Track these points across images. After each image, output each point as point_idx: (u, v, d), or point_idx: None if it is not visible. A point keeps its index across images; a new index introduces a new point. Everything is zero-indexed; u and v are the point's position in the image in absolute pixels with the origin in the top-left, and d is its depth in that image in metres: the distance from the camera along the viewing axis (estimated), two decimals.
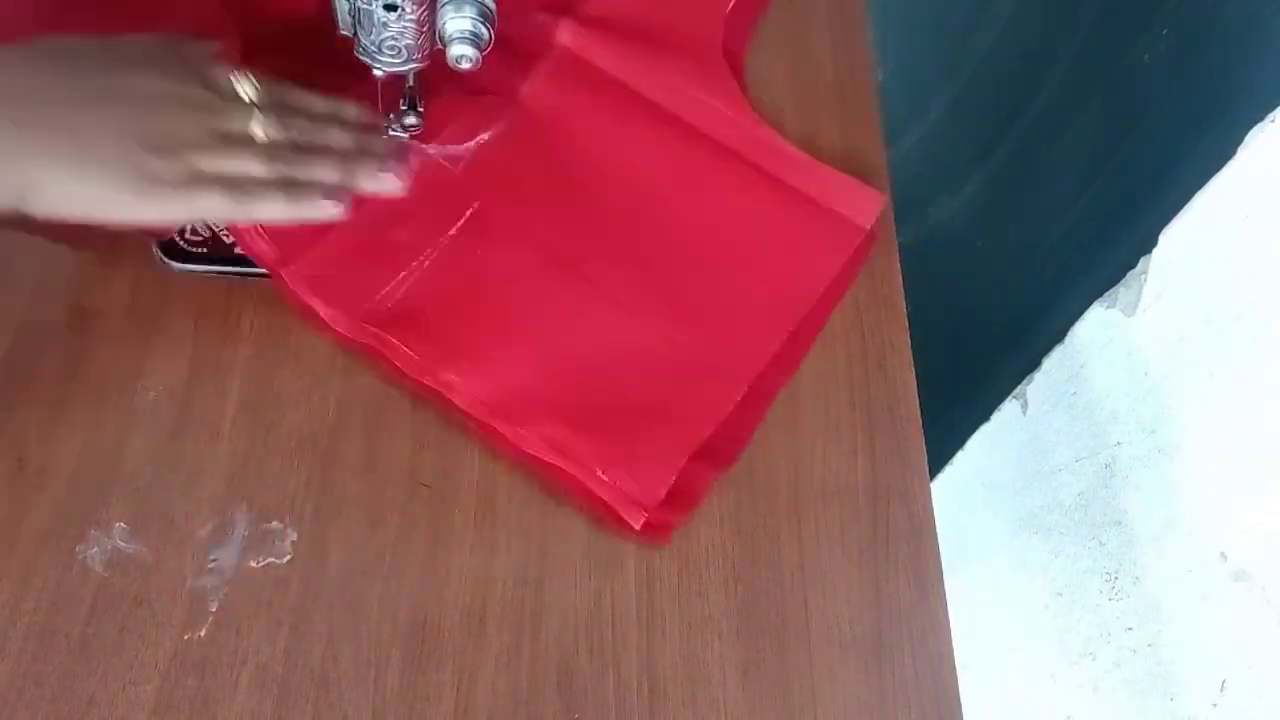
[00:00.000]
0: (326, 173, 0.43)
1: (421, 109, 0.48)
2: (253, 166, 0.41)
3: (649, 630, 0.42)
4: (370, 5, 0.42)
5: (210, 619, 0.40)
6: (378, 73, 0.45)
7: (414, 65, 0.45)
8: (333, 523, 0.42)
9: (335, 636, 0.40)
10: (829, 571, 0.45)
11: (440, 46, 0.44)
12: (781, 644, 0.43)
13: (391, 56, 0.44)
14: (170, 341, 0.45)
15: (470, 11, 0.43)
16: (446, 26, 0.43)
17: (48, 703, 0.37)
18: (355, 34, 0.44)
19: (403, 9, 0.42)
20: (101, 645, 0.39)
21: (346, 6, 0.43)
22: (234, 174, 0.41)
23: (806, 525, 0.45)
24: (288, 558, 0.42)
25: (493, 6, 0.43)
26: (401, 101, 0.48)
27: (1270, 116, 0.44)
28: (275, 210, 0.42)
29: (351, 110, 0.46)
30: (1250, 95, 0.45)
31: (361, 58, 0.45)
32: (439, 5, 0.43)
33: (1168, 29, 0.52)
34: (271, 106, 0.43)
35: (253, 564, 0.41)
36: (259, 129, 0.42)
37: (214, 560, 0.41)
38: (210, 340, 0.45)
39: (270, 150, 0.42)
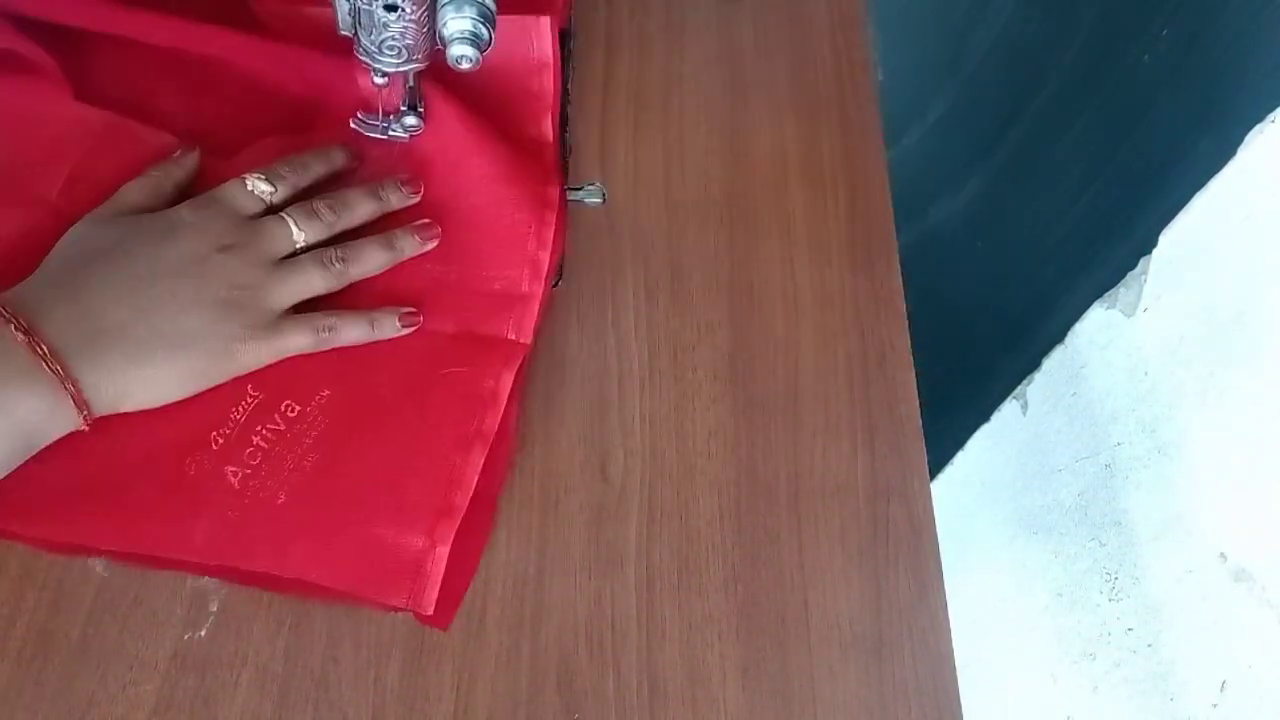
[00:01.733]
0: (378, 256, 0.46)
1: (421, 109, 0.48)
2: (314, 281, 0.44)
3: (649, 630, 0.42)
4: (370, 5, 0.42)
5: (210, 619, 0.40)
6: (378, 79, 0.46)
7: (414, 65, 0.45)
8: None
9: (335, 636, 0.40)
10: (829, 571, 0.45)
11: (440, 47, 0.44)
12: (781, 644, 0.43)
13: (392, 56, 0.44)
14: None
15: (470, 11, 0.43)
16: (446, 27, 0.43)
17: (48, 703, 0.37)
18: (355, 34, 0.44)
19: (403, 9, 0.42)
20: (101, 645, 0.39)
21: (347, 6, 0.43)
22: (299, 296, 0.44)
23: (806, 525, 0.45)
24: None
25: (493, 7, 0.43)
26: (402, 103, 0.48)
27: (1270, 116, 0.44)
28: (357, 334, 0.44)
29: (339, 156, 0.48)
30: (1250, 95, 0.45)
31: (361, 58, 0.45)
32: (439, 5, 0.43)
33: (1168, 29, 0.52)
34: (286, 198, 0.45)
35: None
36: (298, 235, 0.44)
37: None
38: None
39: (320, 256, 0.44)
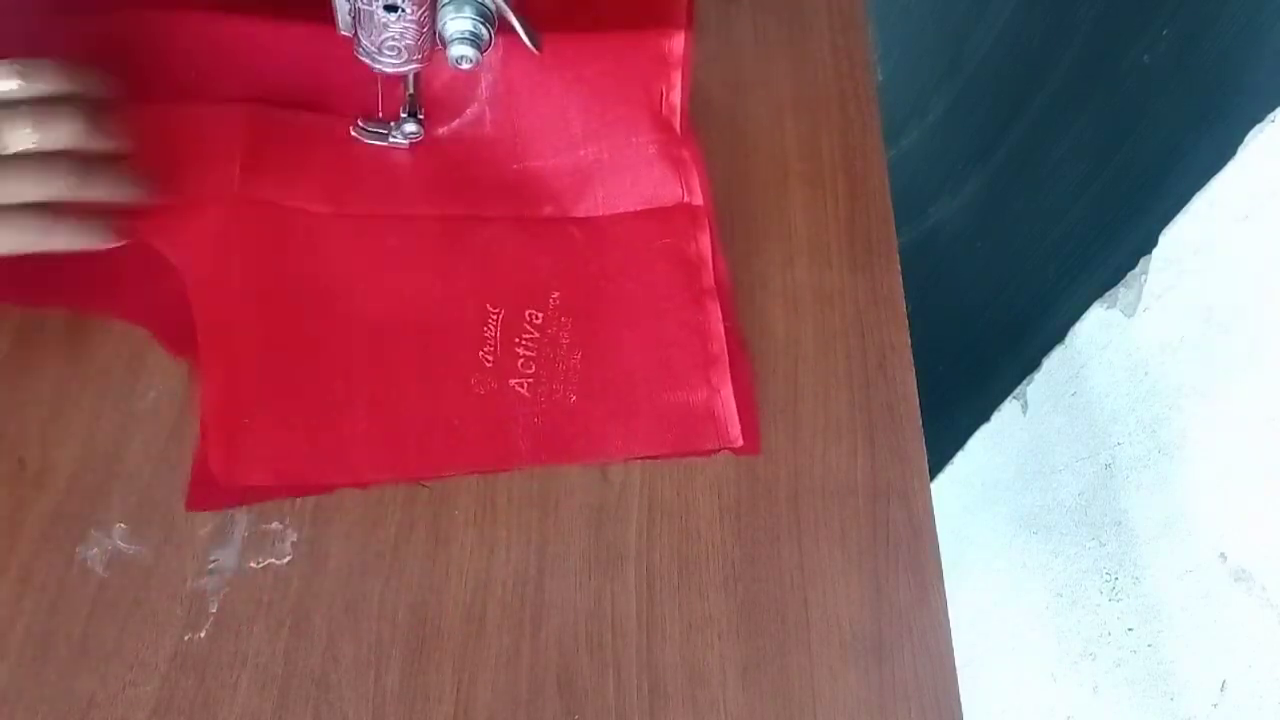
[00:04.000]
0: (108, 186, 0.40)
1: (421, 115, 0.48)
2: (27, 190, 0.38)
3: (649, 630, 0.42)
4: (370, 6, 0.42)
5: (210, 620, 0.40)
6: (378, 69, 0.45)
7: (414, 66, 0.45)
8: (333, 523, 0.42)
9: (335, 636, 0.40)
10: (829, 571, 0.45)
11: (440, 47, 0.44)
12: (781, 644, 0.43)
13: (392, 57, 0.44)
14: None
15: (470, 12, 0.43)
16: (447, 27, 0.43)
17: (47, 703, 0.37)
18: (355, 34, 0.44)
19: (403, 10, 0.42)
20: (101, 645, 0.39)
21: (346, 7, 0.43)
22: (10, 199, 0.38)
23: (806, 525, 0.45)
24: (288, 558, 0.42)
25: (493, 7, 0.43)
26: (402, 109, 0.48)
27: (1270, 116, 0.44)
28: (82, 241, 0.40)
29: (48, 70, 0.39)
30: (1250, 95, 0.45)
31: (362, 58, 0.45)
32: (439, 6, 0.43)
33: (1168, 29, 0.52)
34: (31, 94, 0.38)
35: (253, 564, 0.41)
36: (20, 140, 0.38)
37: (214, 561, 0.41)
38: None
39: (45, 165, 0.38)
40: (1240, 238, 0.46)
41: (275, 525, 0.42)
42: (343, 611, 0.41)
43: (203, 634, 0.39)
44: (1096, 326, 0.58)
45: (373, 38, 0.43)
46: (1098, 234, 0.58)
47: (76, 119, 0.39)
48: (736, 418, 0.46)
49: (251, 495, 0.42)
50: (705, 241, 0.49)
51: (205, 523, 0.41)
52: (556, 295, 0.48)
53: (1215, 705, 0.47)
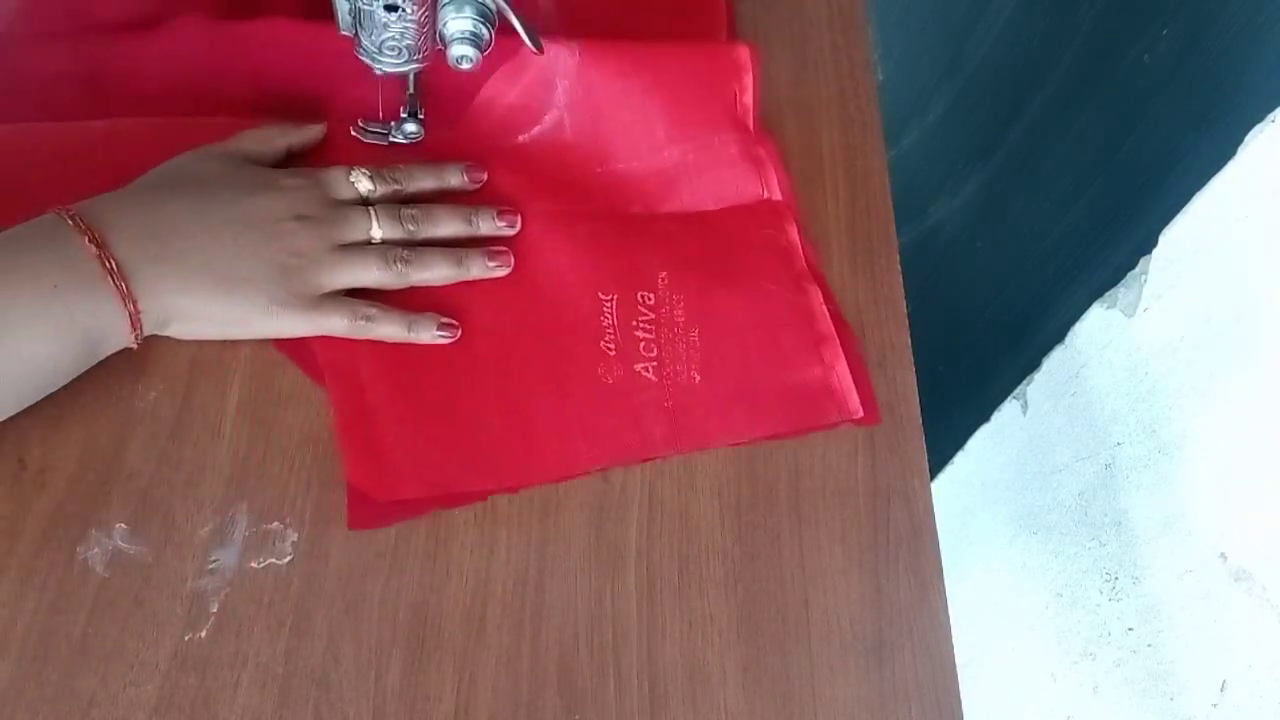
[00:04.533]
0: (441, 269, 0.46)
1: (422, 116, 0.48)
2: (371, 274, 0.45)
3: (649, 630, 0.42)
4: (371, 6, 0.42)
5: (211, 619, 0.40)
6: (377, 74, 0.46)
7: (414, 66, 0.45)
8: (333, 523, 0.42)
9: (335, 636, 0.40)
10: (829, 571, 0.45)
11: (440, 47, 0.44)
12: (781, 644, 0.43)
13: (392, 57, 0.44)
14: (170, 341, 0.44)
15: (470, 11, 0.43)
16: (447, 27, 0.43)
17: (48, 703, 0.37)
18: (355, 35, 0.44)
19: (403, 9, 0.42)
20: (101, 645, 0.39)
21: (347, 7, 0.43)
22: (352, 283, 0.44)
23: (806, 525, 0.45)
24: (288, 558, 0.42)
25: (493, 6, 0.43)
26: (402, 109, 0.48)
27: (1270, 116, 0.44)
28: (392, 331, 0.45)
29: (454, 175, 0.48)
30: (1250, 95, 0.45)
31: (362, 58, 0.45)
32: (439, 5, 0.43)
33: (1168, 29, 0.52)
34: (384, 198, 0.46)
35: (253, 564, 0.41)
36: (375, 230, 0.45)
37: (214, 560, 0.41)
38: (210, 340, 0.45)
39: (385, 253, 0.45)
40: (1240, 238, 0.46)
41: (275, 525, 0.42)
42: (343, 611, 0.41)
43: (203, 634, 0.39)
44: (1096, 326, 0.58)
45: (373, 38, 0.43)
46: (1098, 234, 0.58)
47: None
48: (854, 390, 0.47)
49: (409, 509, 0.43)
50: (793, 231, 0.51)
51: (205, 523, 0.41)
52: (664, 275, 0.49)
53: (1215, 705, 0.47)
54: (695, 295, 0.48)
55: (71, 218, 0.39)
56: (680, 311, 0.48)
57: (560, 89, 0.50)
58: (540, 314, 0.47)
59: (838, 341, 0.48)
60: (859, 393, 0.47)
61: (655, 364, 0.47)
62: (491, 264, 0.47)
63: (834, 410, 0.47)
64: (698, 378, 0.47)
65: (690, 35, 0.55)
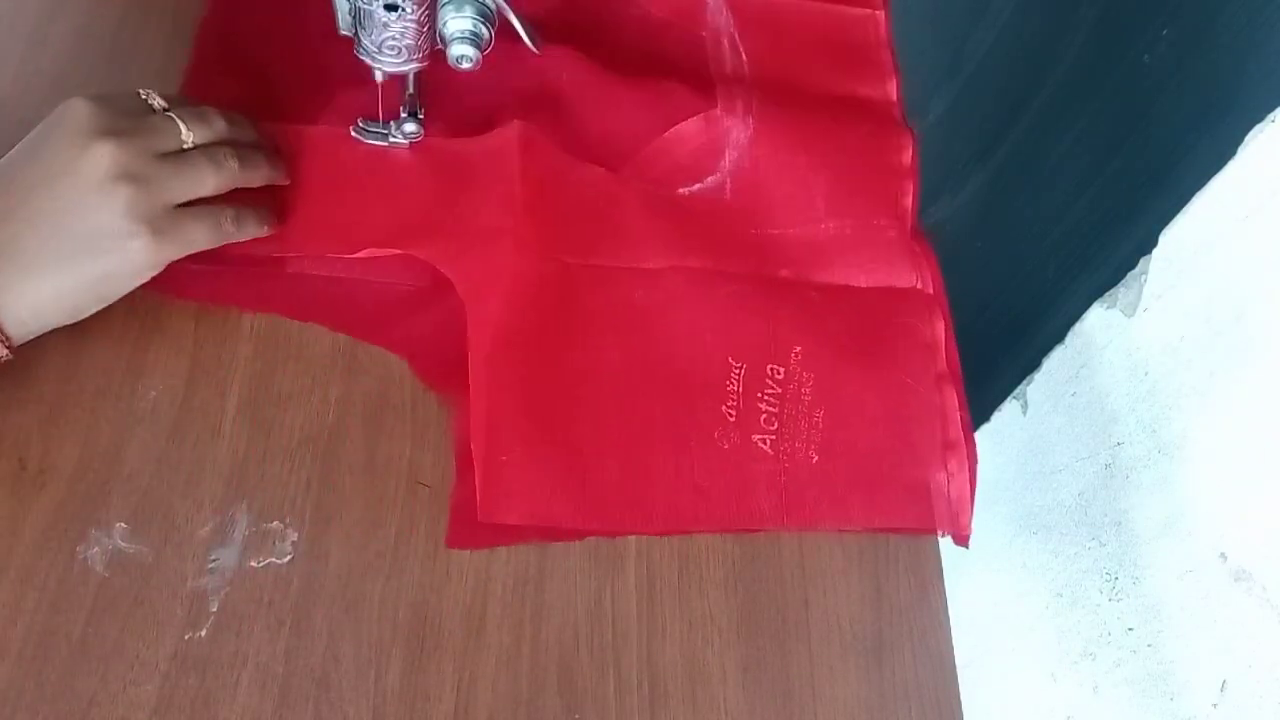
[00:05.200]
0: (265, 168, 0.44)
1: (421, 115, 0.48)
2: (207, 178, 0.42)
3: (649, 630, 0.42)
4: (371, 5, 0.42)
5: (210, 619, 0.40)
6: (378, 75, 0.46)
7: (414, 65, 0.45)
8: (333, 523, 0.42)
9: (335, 636, 0.40)
10: (829, 571, 0.45)
11: (440, 46, 0.44)
12: (781, 644, 0.43)
13: (392, 57, 0.44)
14: (170, 341, 0.45)
15: (470, 11, 0.43)
16: (447, 26, 0.43)
17: (48, 703, 0.37)
18: (355, 34, 0.44)
19: (403, 9, 0.42)
20: (101, 645, 0.39)
21: (347, 7, 0.43)
22: (194, 192, 0.42)
23: None
24: (288, 558, 0.42)
25: (493, 6, 0.43)
26: (402, 108, 0.48)
27: (1270, 116, 0.44)
28: (251, 230, 0.44)
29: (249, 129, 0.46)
30: (1250, 95, 0.45)
31: (362, 58, 0.45)
32: (439, 5, 0.43)
33: (1168, 29, 0.52)
34: (181, 106, 0.43)
35: (253, 564, 0.41)
36: (186, 134, 0.42)
37: (214, 560, 0.41)
38: (210, 340, 0.45)
39: (209, 154, 0.42)
40: (1240, 238, 0.46)
41: (275, 525, 0.42)
42: (343, 611, 0.41)
43: (203, 633, 0.39)
44: (1096, 326, 0.58)
45: (373, 37, 0.43)
46: (1098, 234, 0.58)
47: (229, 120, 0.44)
48: (968, 506, 0.46)
49: (507, 535, 0.43)
50: (940, 328, 0.50)
51: (205, 522, 0.41)
52: (799, 350, 0.48)
53: (1215, 705, 0.47)
54: (828, 375, 0.48)
55: None
56: (808, 390, 0.47)
57: (728, 159, 0.51)
58: (670, 367, 0.47)
59: (965, 452, 0.47)
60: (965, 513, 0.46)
61: (774, 438, 0.46)
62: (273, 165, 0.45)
63: (947, 521, 0.46)
64: (816, 458, 0.46)
65: (856, 78, 0.55)
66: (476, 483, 0.42)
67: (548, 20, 0.52)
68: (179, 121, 0.42)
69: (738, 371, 0.47)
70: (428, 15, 0.43)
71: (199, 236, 0.42)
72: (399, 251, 0.46)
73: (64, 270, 0.39)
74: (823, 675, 0.42)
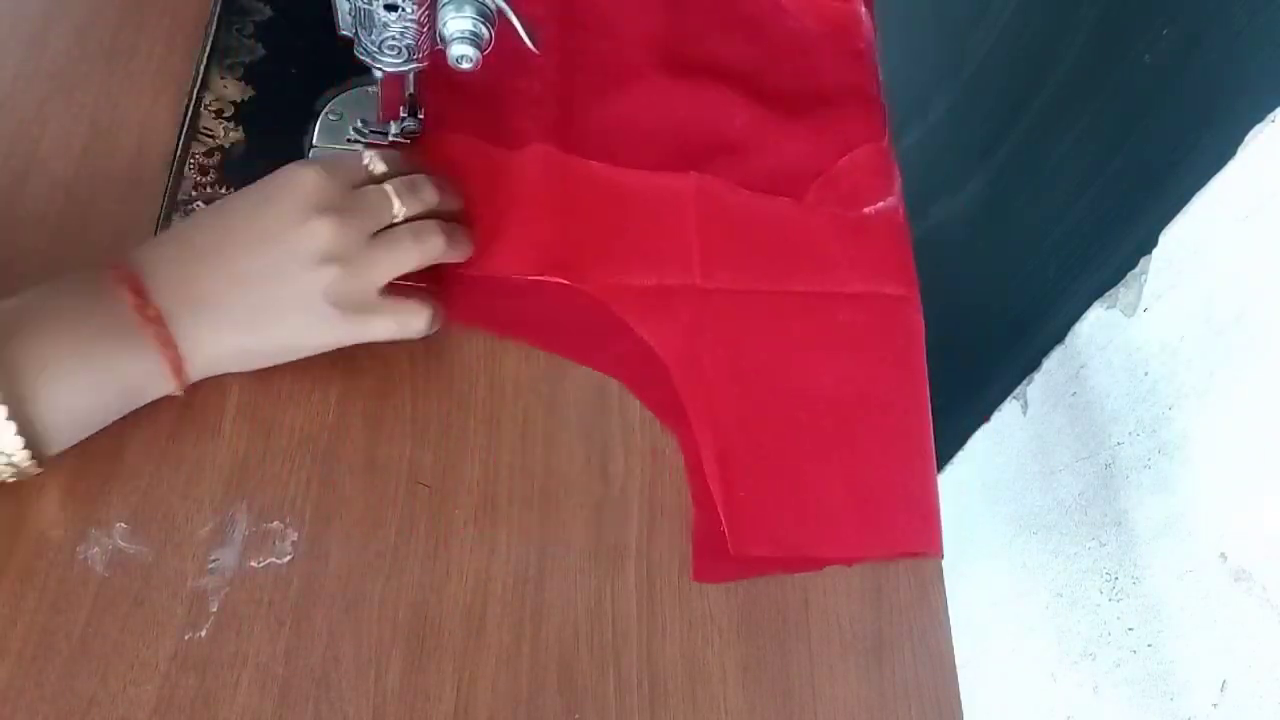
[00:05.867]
0: (464, 244, 0.46)
1: (421, 115, 0.48)
2: (411, 259, 0.43)
3: (649, 630, 0.42)
4: (371, 5, 0.42)
5: (210, 619, 0.40)
6: (377, 74, 0.46)
7: (414, 65, 0.45)
8: (333, 523, 0.42)
9: (335, 636, 0.40)
10: (829, 571, 0.45)
11: (440, 46, 0.44)
12: (781, 644, 0.43)
13: (392, 56, 0.44)
14: None
15: (470, 11, 0.43)
16: (447, 26, 0.43)
17: (48, 703, 0.37)
18: (356, 34, 0.44)
19: (403, 9, 0.42)
20: (101, 645, 0.39)
21: (347, 6, 0.43)
22: (396, 272, 0.43)
23: None
24: (288, 558, 0.42)
25: (493, 6, 0.43)
26: (401, 108, 0.48)
27: (1270, 116, 0.44)
28: (423, 325, 0.44)
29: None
30: (1250, 95, 0.45)
31: (362, 58, 0.45)
32: (439, 5, 0.43)
33: (1168, 29, 0.52)
34: (397, 175, 0.45)
35: (253, 564, 0.41)
36: (398, 207, 0.43)
37: (214, 560, 0.41)
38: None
39: (412, 230, 0.43)
40: (1240, 238, 0.46)
41: (275, 525, 0.42)
42: (343, 611, 0.41)
43: (203, 633, 0.39)
44: (1096, 326, 0.58)
45: (373, 37, 0.43)
46: (1098, 234, 0.58)
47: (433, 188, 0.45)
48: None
49: (754, 566, 0.44)
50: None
51: (205, 522, 0.41)
52: None
53: (1215, 705, 0.47)
54: None
55: (114, 266, 0.39)
56: None
57: (897, 182, 0.52)
58: (876, 388, 0.48)
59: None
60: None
61: None
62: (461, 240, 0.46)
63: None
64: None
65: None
66: (721, 518, 0.43)
67: (699, 34, 0.54)
68: (393, 197, 0.43)
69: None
70: (428, 15, 0.43)
71: (380, 331, 0.43)
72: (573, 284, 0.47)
73: (254, 332, 0.41)
74: (823, 675, 0.42)
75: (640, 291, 0.48)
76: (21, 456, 0.37)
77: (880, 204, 0.52)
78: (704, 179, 0.51)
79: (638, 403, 0.47)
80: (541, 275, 0.47)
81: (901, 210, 0.52)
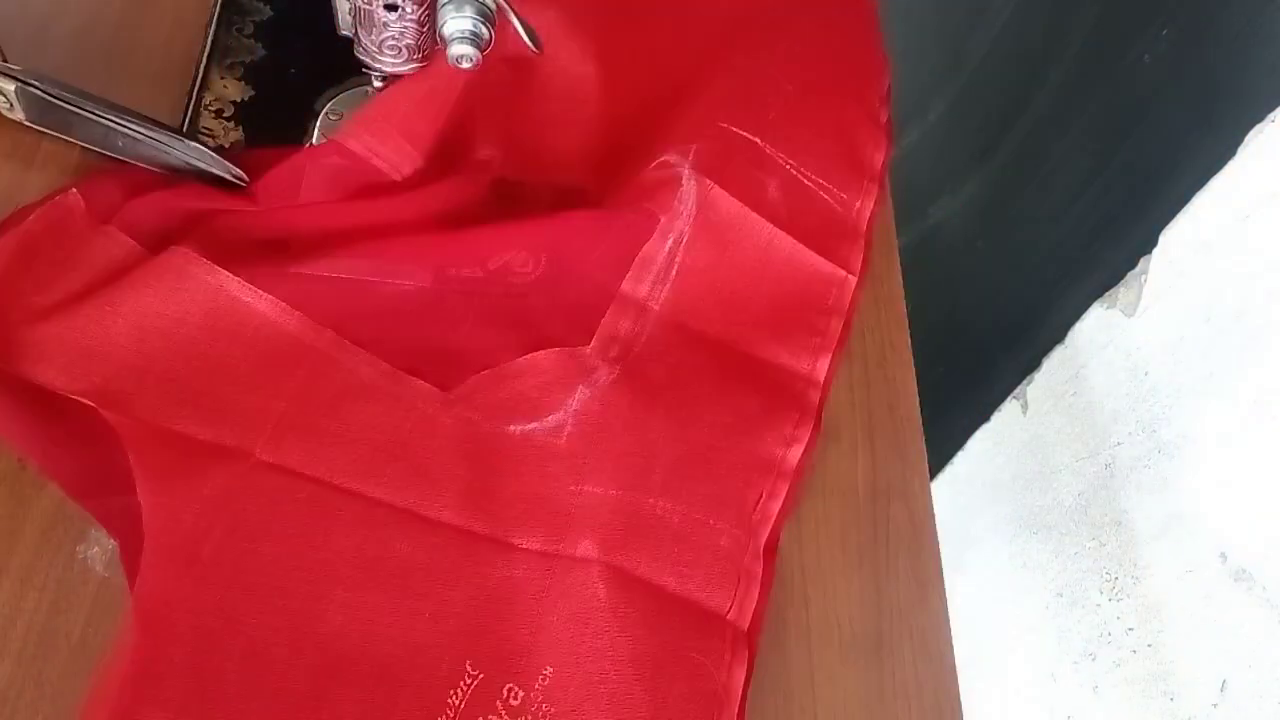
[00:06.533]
0: None
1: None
2: None
3: None
4: (371, 5, 0.42)
5: None
6: (377, 80, 0.46)
7: (414, 65, 0.45)
8: None
9: None
10: (829, 571, 0.45)
11: (440, 46, 0.44)
12: (781, 644, 0.43)
13: (392, 56, 0.44)
14: None
15: (470, 11, 0.43)
16: (446, 26, 0.43)
17: (48, 703, 0.37)
18: (356, 34, 0.44)
19: (403, 9, 0.42)
20: (102, 645, 0.39)
21: (347, 6, 0.43)
22: None
23: (806, 525, 0.45)
24: None
25: (493, 6, 0.43)
26: None
27: (1270, 116, 0.44)
28: None
29: None
30: (1250, 95, 0.45)
31: (362, 58, 0.45)
32: (439, 5, 0.43)
33: (1168, 29, 0.52)
34: None
35: None
36: None
37: None
38: None
39: None
40: (1240, 238, 0.46)
41: None
42: None
43: None
44: (1096, 326, 0.58)
45: (373, 37, 0.43)
46: (1098, 234, 0.58)
47: None
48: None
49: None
50: (739, 678, 0.40)
51: None
52: (549, 673, 0.38)
53: (1215, 705, 0.47)
54: (569, 715, 0.37)
55: None
56: None
57: (578, 396, 0.43)
58: (389, 658, 0.38)
59: None
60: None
61: None
62: None
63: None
64: None
65: (786, 344, 0.48)
66: None
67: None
68: None
69: (468, 683, 0.37)
70: (428, 15, 0.43)
71: None
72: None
73: None
74: (823, 675, 0.42)
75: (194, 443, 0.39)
76: None
77: (534, 424, 0.43)
78: (338, 339, 0.43)
79: None
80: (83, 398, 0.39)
81: (567, 430, 0.43)
